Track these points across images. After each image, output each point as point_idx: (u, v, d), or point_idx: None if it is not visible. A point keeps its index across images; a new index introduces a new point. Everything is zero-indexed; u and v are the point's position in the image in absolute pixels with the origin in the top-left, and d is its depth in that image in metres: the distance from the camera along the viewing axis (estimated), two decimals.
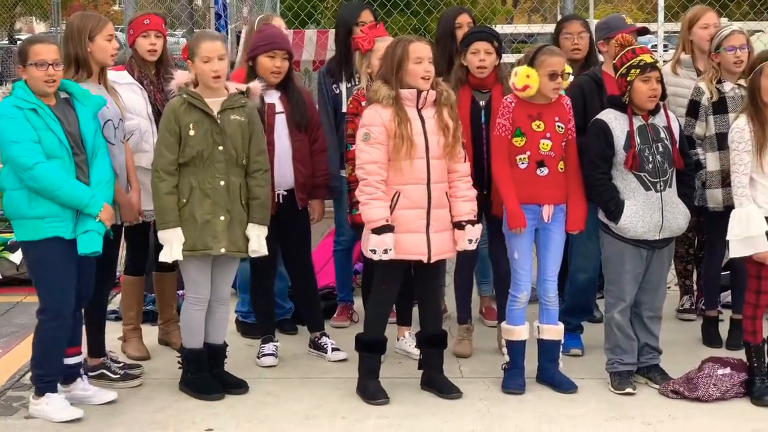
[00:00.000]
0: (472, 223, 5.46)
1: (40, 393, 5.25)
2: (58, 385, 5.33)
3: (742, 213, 5.36)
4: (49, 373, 5.25)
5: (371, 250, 5.30)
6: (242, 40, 6.93)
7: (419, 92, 5.35)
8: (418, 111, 5.37)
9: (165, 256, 5.39)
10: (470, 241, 5.46)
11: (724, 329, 6.39)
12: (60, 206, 5.06)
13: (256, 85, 5.66)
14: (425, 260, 5.40)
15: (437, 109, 5.40)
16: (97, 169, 5.19)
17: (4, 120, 5.03)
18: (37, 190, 5.03)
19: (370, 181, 5.30)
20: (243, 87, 5.58)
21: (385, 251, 5.27)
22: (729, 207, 5.89)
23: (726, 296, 6.84)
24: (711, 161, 6.08)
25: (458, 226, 5.45)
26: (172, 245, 5.36)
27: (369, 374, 5.53)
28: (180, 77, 5.52)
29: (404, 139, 5.27)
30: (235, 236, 5.46)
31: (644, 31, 6.52)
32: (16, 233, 5.22)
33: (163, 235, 5.38)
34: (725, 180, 5.97)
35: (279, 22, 6.68)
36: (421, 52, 5.33)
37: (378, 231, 5.27)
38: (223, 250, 5.44)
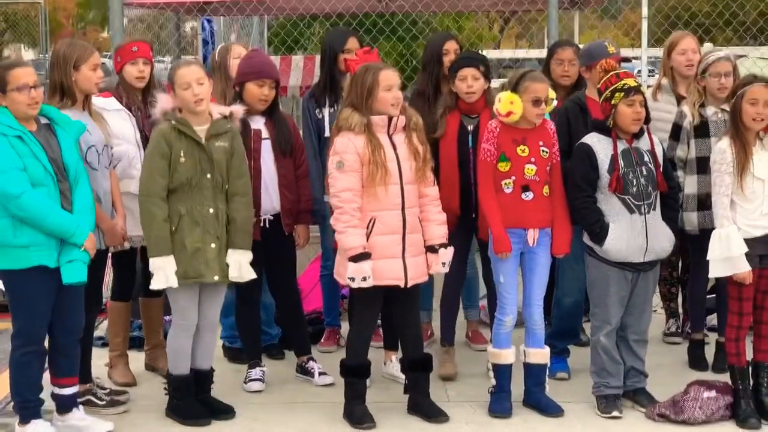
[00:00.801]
0: (445, 246, 5.49)
1: (24, 420, 5.23)
2: (55, 414, 5.31)
3: (722, 233, 5.40)
4: (28, 398, 5.22)
5: (349, 278, 5.31)
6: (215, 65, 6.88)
7: (390, 118, 5.38)
8: (389, 137, 5.40)
9: (159, 284, 5.34)
10: (443, 264, 5.49)
11: (711, 352, 6.41)
12: (45, 235, 5.03)
13: (238, 109, 5.68)
14: (402, 285, 5.42)
15: (407, 134, 5.44)
16: (79, 195, 5.17)
17: None
18: (23, 219, 4.99)
19: (345, 209, 5.32)
20: (226, 111, 5.60)
21: (364, 279, 5.28)
22: (704, 230, 5.95)
23: (712, 319, 6.87)
24: (689, 184, 6.12)
25: (431, 249, 5.48)
26: (166, 272, 5.33)
27: (355, 399, 5.54)
28: (164, 102, 5.51)
29: (378, 166, 5.30)
30: (225, 263, 5.46)
31: (625, 60, 6.58)
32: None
33: (157, 263, 5.34)
34: (701, 203, 6.03)
35: (240, 51, 6.65)
36: (391, 79, 5.38)
37: (355, 259, 5.28)
38: (216, 278, 5.44)
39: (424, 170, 5.45)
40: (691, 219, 6.11)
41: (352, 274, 5.30)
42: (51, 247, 5.06)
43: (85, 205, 5.18)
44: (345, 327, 6.81)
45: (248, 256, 5.52)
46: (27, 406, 5.23)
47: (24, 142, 5.03)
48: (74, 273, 5.07)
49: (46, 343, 5.30)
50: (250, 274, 5.53)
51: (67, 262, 5.07)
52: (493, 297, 6.06)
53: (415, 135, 5.46)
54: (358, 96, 5.40)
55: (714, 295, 6.55)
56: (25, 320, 5.13)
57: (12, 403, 5.43)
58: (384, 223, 5.36)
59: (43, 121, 5.20)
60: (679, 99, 6.50)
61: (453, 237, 5.67)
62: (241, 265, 5.48)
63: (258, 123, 6.03)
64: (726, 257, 5.37)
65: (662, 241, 5.53)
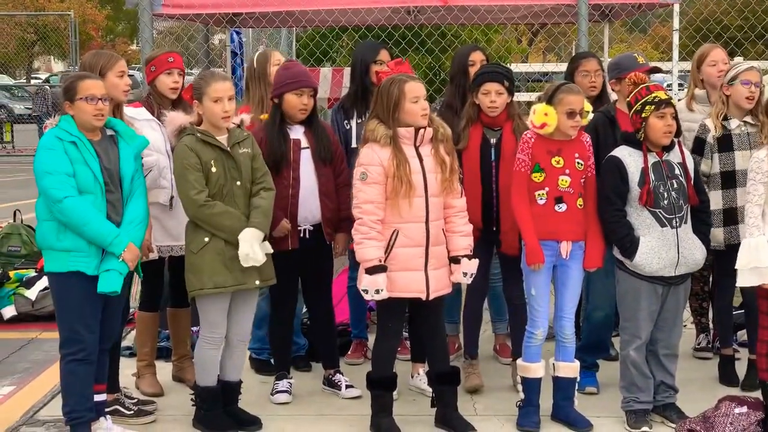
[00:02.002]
0: (469, 257, 5.47)
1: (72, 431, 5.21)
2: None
3: (752, 243, 5.33)
4: (74, 409, 5.18)
5: (363, 290, 5.30)
6: (245, 76, 6.94)
7: (416, 130, 5.37)
8: (416, 149, 5.39)
9: (243, 249, 5.31)
10: (465, 274, 5.46)
11: (741, 368, 6.34)
12: (86, 242, 5.06)
13: (246, 117, 5.68)
14: (424, 297, 5.40)
15: (434, 146, 5.42)
16: (131, 208, 5.20)
17: (42, 151, 5.05)
18: (64, 223, 5.04)
19: (365, 221, 5.31)
20: (237, 120, 5.60)
21: (377, 291, 5.27)
22: (730, 246, 5.89)
23: (743, 335, 6.80)
24: (714, 200, 6.03)
25: (454, 260, 5.46)
26: (251, 243, 5.33)
27: (381, 412, 5.51)
28: (177, 119, 5.51)
29: (402, 181, 5.28)
30: (262, 267, 5.46)
31: (655, 70, 6.53)
32: (45, 263, 5.21)
33: (246, 236, 5.34)
34: (727, 219, 5.96)
35: (279, 57, 6.69)
36: (417, 91, 5.37)
37: (371, 271, 5.27)
38: (257, 282, 5.46)
39: (450, 181, 5.42)
40: (716, 235, 6.04)
41: (365, 286, 5.29)
42: (91, 255, 5.08)
43: (135, 217, 5.20)
44: (372, 339, 6.81)
45: (260, 236, 5.42)
46: (73, 417, 5.18)
47: (78, 149, 5.06)
48: (108, 282, 5.08)
49: None
50: (258, 256, 5.39)
51: (104, 271, 5.08)
52: (511, 310, 6.07)
53: (443, 146, 5.44)
54: (384, 108, 5.39)
55: (744, 311, 6.48)
56: (69, 326, 5.13)
57: (42, 411, 5.44)
58: (407, 236, 5.34)
59: (109, 132, 5.24)
60: None
61: (474, 250, 5.62)
62: (252, 246, 5.38)
63: (297, 133, 6.02)
64: (754, 266, 5.31)
65: (695, 253, 5.48)
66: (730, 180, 5.99)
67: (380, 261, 5.28)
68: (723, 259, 6.07)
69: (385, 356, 5.55)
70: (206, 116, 5.46)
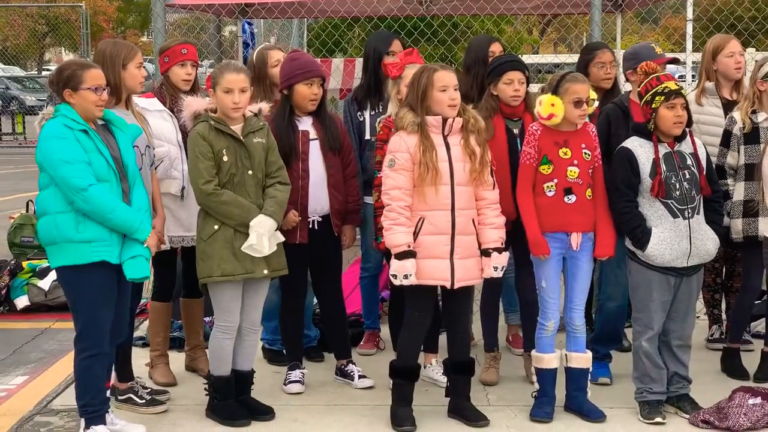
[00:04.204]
0: (499, 250, 5.45)
1: (87, 425, 5.17)
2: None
3: None
4: (89, 403, 5.14)
5: (392, 275, 5.32)
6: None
7: (444, 119, 5.37)
8: (444, 138, 5.38)
9: (250, 241, 5.32)
10: (496, 268, 5.45)
11: (748, 360, 6.30)
12: (108, 230, 4.99)
13: (265, 106, 5.68)
14: (448, 286, 5.39)
15: (464, 135, 5.41)
16: (137, 196, 5.16)
17: (54, 140, 4.94)
18: (88, 212, 4.94)
19: (393, 207, 5.32)
20: (255, 108, 5.59)
21: (406, 276, 5.28)
22: (748, 237, 5.87)
23: (757, 326, 6.78)
24: (737, 191, 6.06)
25: (485, 253, 5.44)
26: (258, 231, 5.33)
27: (401, 401, 5.52)
28: (194, 104, 5.52)
29: (429, 167, 5.28)
30: (272, 257, 5.46)
31: (674, 61, 6.50)
32: (56, 258, 5.04)
33: (257, 225, 5.35)
34: (747, 211, 5.95)
35: (279, 56, 6.65)
36: (445, 80, 5.36)
37: (399, 256, 5.28)
38: (265, 272, 5.46)
39: (481, 172, 5.40)
40: (736, 225, 6.05)
41: (394, 271, 5.30)
42: (113, 244, 5.01)
43: (141, 206, 5.16)
44: (384, 330, 6.83)
45: (272, 226, 5.42)
46: (89, 411, 5.15)
47: (89, 137, 5.01)
48: (138, 269, 5.03)
49: None
50: (263, 248, 5.38)
51: (129, 258, 5.03)
52: (523, 301, 6.06)
53: (473, 137, 5.42)
54: (414, 96, 5.39)
55: (760, 301, 6.46)
56: (87, 319, 5.05)
57: (57, 401, 5.44)
58: (432, 223, 5.34)
59: (100, 122, 5.19)
60: (724, 102, 6.43)
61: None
62: (260, 238, 5.37)
63: (305, 124, 6.02)
64: None
65: (707, 244, 5.46)
66: (753, 172, 5.97)
67: (409, 246, 5.28)
68: (746, 252, 6.04)
69: (411, 346, 5.55)
70: (218, 106, 5.47)
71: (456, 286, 5.40)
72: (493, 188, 5.49)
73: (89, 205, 4.92)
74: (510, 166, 5.77)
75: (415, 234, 5.33)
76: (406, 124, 5.35)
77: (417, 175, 5.30)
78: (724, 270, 6.86)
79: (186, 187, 5.95)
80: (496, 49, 6.47)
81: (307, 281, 6.21)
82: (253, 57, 6.79)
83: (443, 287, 5.42)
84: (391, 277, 5.34)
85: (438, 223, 5.34)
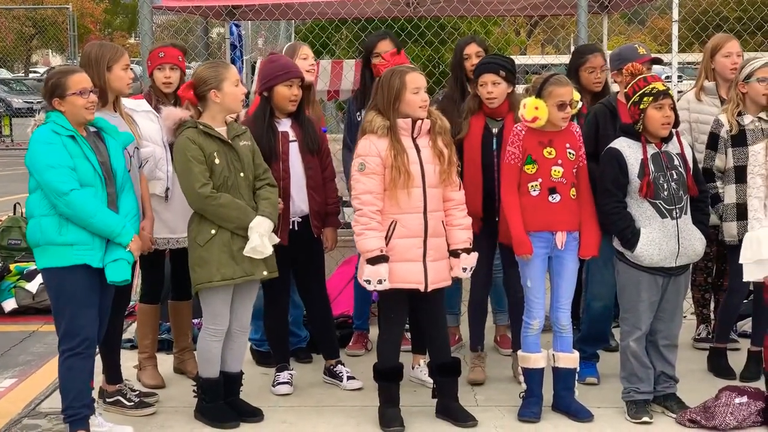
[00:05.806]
0: (468, 251, 5.48)
1: (72, 429, 5.16)
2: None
3: (753, 236, 5.36)
4: (70, 405, 5.14)
5: (365, 281, 5.31)
6: (258, 70, 7.01)
7: (414, 121, 5.38)
8: (413, 140, 5.39)
9: (252, 243, 5.33)
10: (465, 269, 5.47)
11: (734, 359, 6.33)
12: (90, 234, 5.02)
13: (242, 112, 5.72)
14: (422, 289, 5.40)
15: (432, 137, 5.43)
16: (124, 202, 5.18)
17: (41, 145, 5.00)
18: (70, 216, 4.98)
19: (365, 212, 5.32)
20: (233, 115, 5.62)
21: (380, 281, 5.28)
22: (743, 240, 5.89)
23: (743, 325, 6.80)
24: (728, 194, 6.06)
25: (454, 254, 5.46)
26: (259, 231, 5.34)
27: (388, 402, 5.53)
28: (175, 114, 5.51)
29: (401, 171, 5.29)
30: (268, 258, 5.46)
31: (657, 61, 6.53)
32: (40, 260, 5.10)
33: (257, 226, 5.36)
34: (741, 213, 5.97)
35: (307, 51, 6.72)
36: (417, 82, 5.38)
37: (372, 261, 5.28)
38: (265, 273, 5.47)
39: (449, 173, 5.43)
40: (730, 229, 6.05)
41: (367, 276, 5.30)
42: (95, 247, 5.04)
43: (129, 210, 5.19)
44: (374, 331, 6.83)
45: (270, 227, 5.44)
46: (69, 414, 5.14)
47: (76, 143, 5.04)
48: (118, 272, 5.05)
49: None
50: (266, 249, 5.39)
51: (111, 262, 5.05)
52: (511, 301, 6.07)
53: (441, 138, 5.45)
54: (384, 99, 5.39)
55: (747, 301, 6.48)
56: (69, 321, 5.07)
57: (44, 404, 5.44)
58: (405, 226, 5.35)
59: (92, 129, 5.21)
60: (723, 101, 6.43)
61: (477, 241, 5.64)
62: (262, 239, 5.38)
63: (284, 125, 6.03)
64: (757, 260, 5.31)
65: (695, 244, 5.49)
66: (743, 174, 5.99)
67: (381, 251, 5.29)
68: (736, 255, 6.06)
69: (390, 347, 5.56)
70: (228, 101, 5.46)
71: (429, 289, 5.41)
72: (459, 189, 5.51)
73: (71, 209, 4.96)
74: (482, 165, 5.80)
75: (388, 238, 5.34)
76: (376, 127, 5.35)
77: (389, 179, 5.31)
78: (714, 269, 6.88)
79: (170, 188, 5.95)
80: (470, 51, 6.50)
81: (290, 283, 6.19)
82: (283, 50, 6.81)
83: (415, 290, 5.42)
84: (364, 283, 5.34)
85: (410, 226, 5.36)
